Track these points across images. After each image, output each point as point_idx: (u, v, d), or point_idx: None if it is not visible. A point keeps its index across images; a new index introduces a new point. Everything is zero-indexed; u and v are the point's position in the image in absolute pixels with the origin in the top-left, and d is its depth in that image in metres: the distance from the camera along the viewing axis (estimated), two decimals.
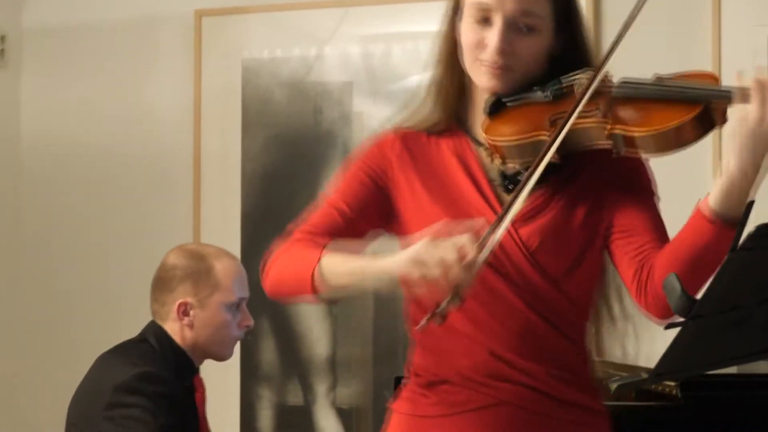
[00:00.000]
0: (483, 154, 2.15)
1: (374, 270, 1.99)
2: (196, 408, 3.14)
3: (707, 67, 4.07)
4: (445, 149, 2.17)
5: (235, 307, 3.18)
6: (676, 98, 2.03)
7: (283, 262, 2.11)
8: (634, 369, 2.62)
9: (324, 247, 2.05)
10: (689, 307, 1.76)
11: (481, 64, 2.09)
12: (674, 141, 2.03)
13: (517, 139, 2.07)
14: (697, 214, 1.96)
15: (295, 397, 4.64)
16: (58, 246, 4.85)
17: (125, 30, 4.85)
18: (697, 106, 2.01)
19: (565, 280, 2.10)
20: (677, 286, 1.78)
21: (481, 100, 2.14)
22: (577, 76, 2.09)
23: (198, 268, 3.15)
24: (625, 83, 2.09)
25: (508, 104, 2.11)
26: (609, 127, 2.03)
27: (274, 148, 4.70)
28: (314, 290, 2.03)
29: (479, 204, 2.11)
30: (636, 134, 2.02)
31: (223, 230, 4.67)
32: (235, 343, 3.26)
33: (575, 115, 2.00)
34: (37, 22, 4.93)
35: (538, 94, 2.11)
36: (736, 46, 4.10)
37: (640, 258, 2.06)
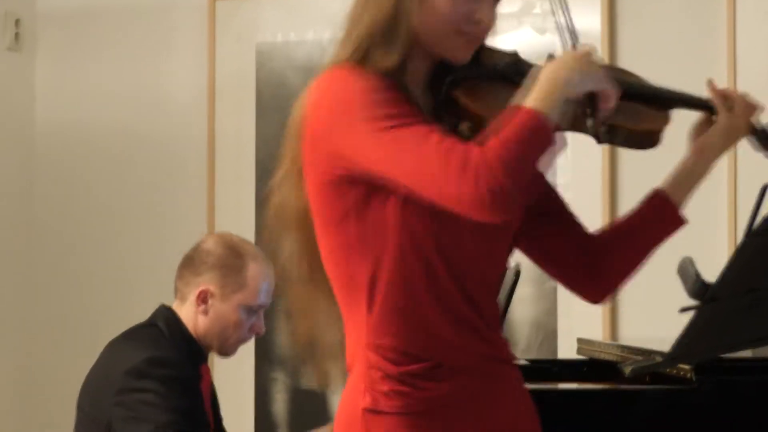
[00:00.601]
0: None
1: (557, 85, 1.89)
2: (203, 402, 3.13)
3: (722, 60, 4.06)
4: None
5: (253, 311, 3.16)
6: (652, 100, 2.10)
7: (512, 154, 1.83)
8: (648, 352, 2.62)
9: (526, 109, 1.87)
10: (704, 291, 1.76)
11: (463, 35, 1.99)
12: (650, 142, 2.08)
13: None
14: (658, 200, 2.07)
15: (309, 381, 4.64)
16: (72, 230, 4.86)
17: (139, 14, 4.86)
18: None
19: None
20: (692, 270, 1.78)
21: (422, 66, 2.02)
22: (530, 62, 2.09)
23: (231, 262, 3.13)
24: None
25: (476, 77, 2.07)
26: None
27: None
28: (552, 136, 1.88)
29: None
30: (630, 128, 2.04)
31: (237, 214, 4.67)
32: (240, 344, 3.23)
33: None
34: (51, 6, 4.94)
35: (511, 73, 2.07)
36: (751, 40, 4.08)
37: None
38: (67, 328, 4.82)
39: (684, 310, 1.87)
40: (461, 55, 2.02)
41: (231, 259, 3.13)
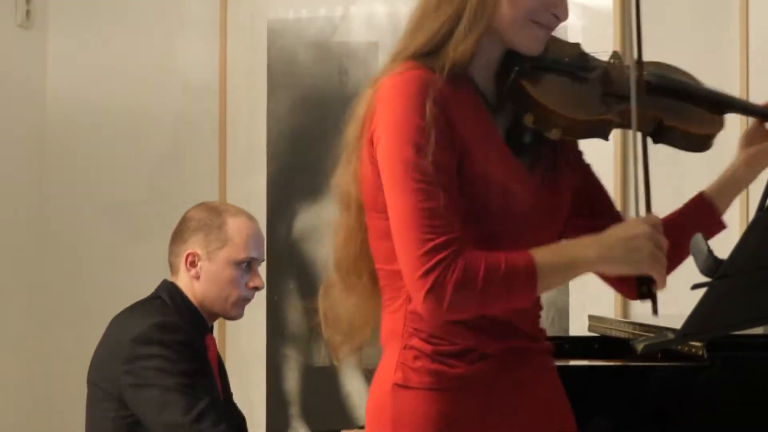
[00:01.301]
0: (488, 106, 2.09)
1: (587, 260, 1.96)
2: (211, 368, 3.15)
3: (735, 47, 4.04)
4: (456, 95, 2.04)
5: (244, 265, 3.18)
6: (708, 103, 2.12)
7: (493, 292, 1.92)
8: (660, 329, 2.61)
9: (529, 256, 1.93)
10: (716, 268, 1.75)
11: (539, 27, 2.03)
12: (702, 145, 2.11)
13: (583, 116, 2.05)
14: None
15: (321, 358, 4.65)
16: (83, 206, 4.87)
17: None
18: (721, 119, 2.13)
19: None
20: (704, 246, 1.78)
21: (491, 55, 2.07)
22: (594, 54, 2.11)
23: (211, 221, 3.17)
24: (661, 75, 2.10)
25: (544, 69, 2.08)
26: (652, 114, 2.05)
27: (300, 109, 4.70)
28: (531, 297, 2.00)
29: (506, 154, 2.07)
30: (685, 130, 2.06)
31: (249, 191, 4.68)
32: (243, 303, 3.25)
33: (635, 97, 1.99)
34: None
35: (576, 68, 2.09)
36: (765, 16, 4.06)
37: None
38: (74, 301, 4.83)
39: (696, 287, 1.86)
40: (535, 46, 2.05)
41: (210, 218, 3.18)
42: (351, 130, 2.08)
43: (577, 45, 2.14)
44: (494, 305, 1.95)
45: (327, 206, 4.47)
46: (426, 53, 2.01)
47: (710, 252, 1.77)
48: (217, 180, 4.73)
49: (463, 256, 1.89)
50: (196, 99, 4.80)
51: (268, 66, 4.71)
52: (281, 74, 4.71)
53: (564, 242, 2.02)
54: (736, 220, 3.94)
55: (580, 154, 2.21)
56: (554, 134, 2.03)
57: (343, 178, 2.10)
